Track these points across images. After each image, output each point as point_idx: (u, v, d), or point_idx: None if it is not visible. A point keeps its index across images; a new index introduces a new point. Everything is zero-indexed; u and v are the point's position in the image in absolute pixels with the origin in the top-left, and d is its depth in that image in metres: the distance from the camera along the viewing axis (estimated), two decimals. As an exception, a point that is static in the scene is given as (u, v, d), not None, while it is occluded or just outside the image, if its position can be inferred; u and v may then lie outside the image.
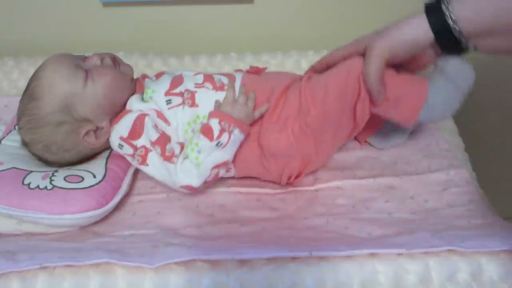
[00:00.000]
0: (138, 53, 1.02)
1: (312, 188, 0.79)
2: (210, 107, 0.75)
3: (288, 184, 0.79)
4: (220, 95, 0.76)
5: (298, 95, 0.75)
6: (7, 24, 1.06)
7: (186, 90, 0.76)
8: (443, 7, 0.62)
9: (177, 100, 0.76)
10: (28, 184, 0.71)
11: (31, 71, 0.78)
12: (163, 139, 0.73)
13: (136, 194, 0.79)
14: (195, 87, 0.77)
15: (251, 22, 1.08)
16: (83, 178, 0.73)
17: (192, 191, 0.73)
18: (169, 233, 0.70)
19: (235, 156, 0.75)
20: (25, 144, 0.77)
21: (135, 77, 0.81)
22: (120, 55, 0.98)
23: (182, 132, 0.76)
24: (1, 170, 0.74)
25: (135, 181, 0.80)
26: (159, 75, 0.81)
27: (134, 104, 0.76)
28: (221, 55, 1.02)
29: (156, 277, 0.63)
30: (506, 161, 1.27)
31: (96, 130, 0.76)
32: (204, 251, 0.64)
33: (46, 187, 0.71)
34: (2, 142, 0.81)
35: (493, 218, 0.71)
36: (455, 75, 0.68)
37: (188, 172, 0.71)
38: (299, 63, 0.99)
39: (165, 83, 0.78)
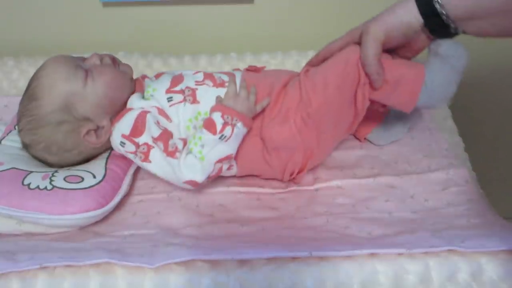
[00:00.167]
0: (138, 53, 1.02)
1: (312, 187, 0.79)
2: (211, 103, 0.75)
3: (290, 181, 0.79)
4: (221, 92, 0.76)
5: (298, 88, 0.75)
6: (7, 24, 1.06)
7: (187, 87, 0.77)
8: None
9: (178, 97, 0.76)
10: (28, 185, 0.71)
11: (31, 71, 0.79)
12: (166, 135, 0.73)
13: (136, 194, 0.79)
14: (196, 84, 0.77)
15: (251, 22, 1.08)
16: (83, 179, 0.73)
17: (196, 186, 0.73)
18: (169, 233, 0.70)
19: (237, 153, 0.75)
20: (25, 146, 0.77)
21: (134, 77, 0.81)
22: (120, 55, 0.98)
23: (184, 129, 0.76)
24: (1, 171, 0.73)
25: (135, 181, 0.80)
26: (158, 75, 0.82)
27: (135, 102, 0.76)
28: (221, 55, 1.02)
29: (156, 277, 0.63)
30: (506, 161, 1.28)
31: (97, 129, 0.76)
32: (204, 251, 0.64)
33: (46, 188, 0.71)
34: (2, 142, 0.81)
35: (493, 218, 0.71)
36: (449, 56, 0.69)
37: (192, 167, 0.71)
38: (299, 63, 0.99)
39: (165, 82, 0.78)
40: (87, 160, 0.79)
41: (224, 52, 1.03)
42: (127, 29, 1.07)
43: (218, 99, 0.75)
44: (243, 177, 0.81)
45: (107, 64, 0.77)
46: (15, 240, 0.70)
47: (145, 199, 0.77)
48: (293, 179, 0.79)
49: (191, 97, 0.76)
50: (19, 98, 0.77)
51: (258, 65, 0.87)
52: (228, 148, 0.72)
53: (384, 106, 0.75)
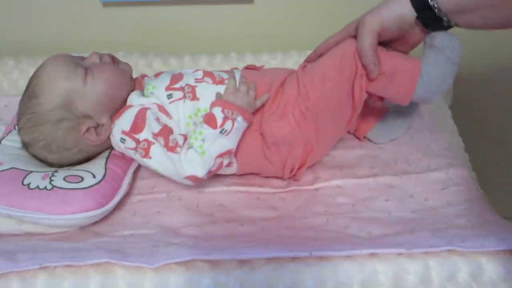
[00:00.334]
0: (138, 53, 1.02)
1: (312, 187, 0.79)
2: (211, 100, 0.75)
3: (291, 178, 0.79)
4: (221, 89, 0.77)
5: (296, 83, 0.75)
6: (7, 24, 1.06)
7: (187, 84, 0.77)
8: None
9: (178, 94, 0.76)
10: (28, 184, 0.71)
11: (31, 71, 0.79)
12: (166, 131, 0.73)
13: (136, 194, 0.79)
14: (195, 82, 0.78)
15: (251, 22, 1.08)
16: (82, 178, 0.73)
17: (196, 182, 0.73)
18: (169, 233, 0.70)
19: (237, 150, 0.75)
20: (25, 145, 0.77)
21: (134, 77, 0.81)
22: (120, 55, 0.98)
23: (184, 125, 0.76)
24: (1, 171, 0.74)
25: (135, 180, 0.80)
26: (157, 75, 0.82)
27: (135, 99, 0.76)
28: (221, 55, 1.02)
29: (156, 277, 0.63)
30: (506, 161, 1.28)
31: (97, 127, 0.76)
32: (204, 251, 0.65)
33: (45, 187, 0.71)
34: (2, 142, 0.81)
35: (493, 217, 0.71)
36: (444, 47, 0.70)
37: (193, 161, 0.71)
38: (299, 63, 0.98)
39: (165, 79, 0.78)
40: (87, 159, 0.79)
41: (224, 52, 1.03)
42: (127, 29, 1.07)
43: (218, 95, 0.76)
44: (243, 176, 0.81)
45: (106, 62, 0.77)
46: (15, 240, 0.70)
47: (145, 199, 0.77)
48: (293, 176, 0.79)
49: (191, 94, 0.76)
50: (19, 98, 0.77)
51: (258, 65, 0.87)
52: (229, 142, 0.72)
53: (381, 99, 0.75)
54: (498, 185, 1.10)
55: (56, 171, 0.74)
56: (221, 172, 0.77)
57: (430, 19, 0.67)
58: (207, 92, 0.76)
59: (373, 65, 0.70)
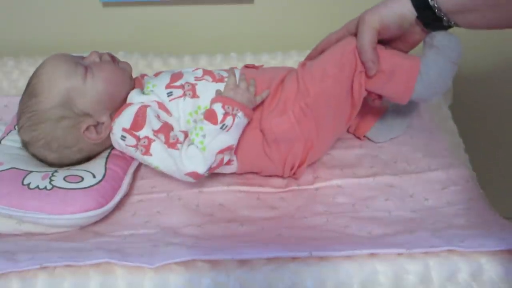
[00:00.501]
0: (138, 53, 1.02)
1: (312, 187, 0.79)
2: (211, 97, 0.76)
3: (291, 176, 0.79)
4: (220, 87, 0.77)
5: (296, 80, 0.75)
6: (7, 24, 1.06)
7: (187, 82, 0.77)
8: None
9: (178, 92, 0.76)
10: (28, 184, 0.71)
11: (31, 71, 0.79)
12: (166, 128, 0.73)
13: (136, 194, 0.79)
14: (195, 80, 0.78)
15: (251, 22, 1.08)
16: (82, 178, 0.73)
17: (197, 178, 0.73)
18: (169, 233, 0.70)
19: (237, 147, 0.75)
20: (25, 144, 0.77)
21: (134, 77, 0.81)
22: (120, 55, 0.98)
23: (184, 123, 0.76)
24: (1, 171, 0.74)
25: (135, 180, 0.80)
26: (157, 74, 0.82)
27: (135, 97, 0.76)
28: (221, 55, 1.02)
29: (156, 277, 0.63)
30: (506, 161, 1.28)
31: (97, 125, 0.76)
32: (204, 251, 0.65)
33: (45, 187, 0.71)
34: (2, 142, 0.82)
35: (493, 217, 0.71)
36: (444, 46, 0.70)
37: (194, 158, 0.71)
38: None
39: (165, 78, 0.79)
40: (87, 158, 0.79)
41: (224, 52, 1.03)
42: (127, 29, 1.07)
43: (218, 92, 0.76)
44: (243, 175, 0.81)
45: (106, 61, 0.78)
46: (15, 240, 0.70)
47: (145, 199, 0.77)
48: (293, 175, 0.79)
49: (191, 91, 0.76)
50: (19, 98, 0.77)
51: (258, 64, 0.87)
52: (229, 138, 0.72)
53: (380, 98, 0.76)
54: (498, 185, 1.10)
55: (56, 171, 0.74)
56: (221, 170, 0.77)
57: (430, 18, 0.68)
58: (207, 90, 0.76)
59: (372, 63, 0.70)
